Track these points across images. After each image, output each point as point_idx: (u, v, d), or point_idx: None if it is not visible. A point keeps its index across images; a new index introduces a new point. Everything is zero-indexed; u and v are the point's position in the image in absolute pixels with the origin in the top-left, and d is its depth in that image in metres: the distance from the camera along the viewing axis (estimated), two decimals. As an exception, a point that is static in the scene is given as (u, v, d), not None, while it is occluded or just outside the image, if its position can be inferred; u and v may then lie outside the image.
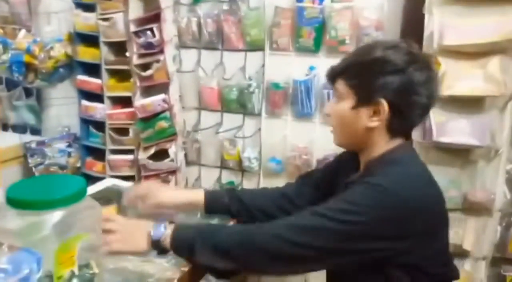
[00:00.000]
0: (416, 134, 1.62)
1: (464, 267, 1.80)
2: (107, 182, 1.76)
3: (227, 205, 1.26)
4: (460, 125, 1.73)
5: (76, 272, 0.74)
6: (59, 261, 0.72)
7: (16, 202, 0.74)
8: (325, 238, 0.88)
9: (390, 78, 0.91)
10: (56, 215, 0.75)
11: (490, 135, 1.71)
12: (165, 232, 1.05)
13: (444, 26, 1.70)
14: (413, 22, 1.92)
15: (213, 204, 1.26)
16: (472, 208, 1.79)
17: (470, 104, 1.74)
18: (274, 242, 0.91)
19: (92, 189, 1.53)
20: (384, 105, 0.92)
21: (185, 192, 1.36)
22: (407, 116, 0.95)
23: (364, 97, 0.94)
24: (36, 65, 2.18)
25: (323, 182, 1.20)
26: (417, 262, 0.91)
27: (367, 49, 0.98)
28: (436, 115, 1.69)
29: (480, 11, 1.68)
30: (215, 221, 1.30)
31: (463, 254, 1.80)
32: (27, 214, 0.74)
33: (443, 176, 1.66)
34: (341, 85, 0.98)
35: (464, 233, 1.78)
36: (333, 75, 1.01)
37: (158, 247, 1.02)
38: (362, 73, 0.94)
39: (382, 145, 0.97)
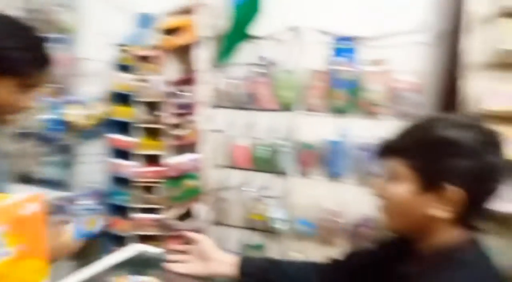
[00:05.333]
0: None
1: None
2: (135, 248, 1.49)
3: (263, 272, 1.05)
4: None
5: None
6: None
7: None
8: None
9: (464, 163, 0.72)
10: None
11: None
12: None
13: (484, 91, 1.60)
14: (449, 85, 1.82)
15: (248, 272, 1.05)
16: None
17: (514, 170, 1.59)
18: None
19: (119, 256, 1.27)
20: (456, 193, 0.72)
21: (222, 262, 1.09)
22: (481, 206, 0.76)
23: (431, 182, 0.74)
24: (75, 123, 1.96)
25: (373, 264, 0.98)
26: None
27: (429, 127, 0.77)
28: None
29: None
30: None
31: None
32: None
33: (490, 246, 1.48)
34: (399, 165, 0.78)
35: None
36: (388, 152, 0.81)
37: None
38: (428, 155, 0.75)
39: (446, 234, 0.77)
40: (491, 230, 1.56)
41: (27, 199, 0.63)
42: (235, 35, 2.07)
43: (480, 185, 0.73)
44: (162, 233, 2.16)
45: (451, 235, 0.77)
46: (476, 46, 1.66)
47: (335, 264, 1.08)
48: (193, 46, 2.02)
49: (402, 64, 1.85)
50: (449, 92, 1.78)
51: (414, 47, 1.82)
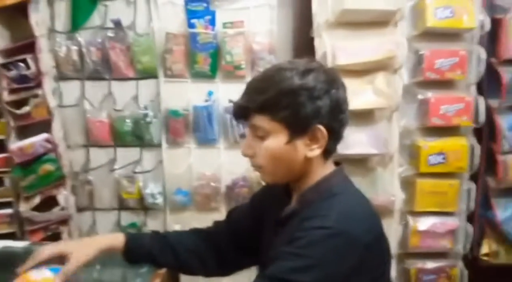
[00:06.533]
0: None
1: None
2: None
3: (148, 248, 0.99)
4: (358, 137, 1.77)
5: None
6: None
7: None
8: None
9: (320, 103, 0.80)
10: None
11: (384, 143, 1.79)
12: None
13: (334, 48, 1.73)
14: (302, 45, 1.92)
15: (134, 248, 0.98)
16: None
17: (363, 117, 1.80)
18: None
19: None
20: (323, 130, 0.81)
21: (101, 241, 0.99)
22: (340, 136, 0.86)
23: (299, 128, 0.81)
24: None
25: (253, 217, 1.01)
26: None
27: (280, 78, 0.80)
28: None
29: (362, 34, 1.76)
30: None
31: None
32: None
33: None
34: (263, 121, 0.81)
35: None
36: (248, 113, 0.83)
37: None
38: (290, 105, 0.79)
39: (318, 171, 0.85)
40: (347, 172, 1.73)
41: None
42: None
43: (336, 118, 0.82)
44: (18, 230, 1.84)
45: (322, 169, 0.86)
46: (325, 7, 1.75)
47: (218, 226, 1.07)
48: (28, 8, 1.68)
49: (258, 26, 1.87)
50: (304, 51, 1.87)
51: (269, 9, 1.85)
